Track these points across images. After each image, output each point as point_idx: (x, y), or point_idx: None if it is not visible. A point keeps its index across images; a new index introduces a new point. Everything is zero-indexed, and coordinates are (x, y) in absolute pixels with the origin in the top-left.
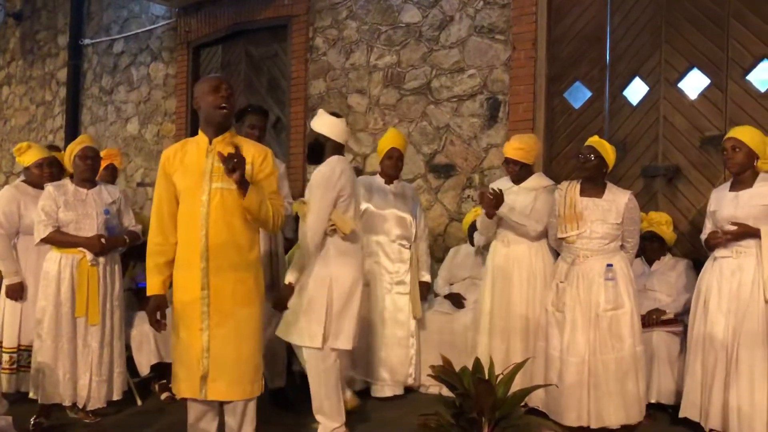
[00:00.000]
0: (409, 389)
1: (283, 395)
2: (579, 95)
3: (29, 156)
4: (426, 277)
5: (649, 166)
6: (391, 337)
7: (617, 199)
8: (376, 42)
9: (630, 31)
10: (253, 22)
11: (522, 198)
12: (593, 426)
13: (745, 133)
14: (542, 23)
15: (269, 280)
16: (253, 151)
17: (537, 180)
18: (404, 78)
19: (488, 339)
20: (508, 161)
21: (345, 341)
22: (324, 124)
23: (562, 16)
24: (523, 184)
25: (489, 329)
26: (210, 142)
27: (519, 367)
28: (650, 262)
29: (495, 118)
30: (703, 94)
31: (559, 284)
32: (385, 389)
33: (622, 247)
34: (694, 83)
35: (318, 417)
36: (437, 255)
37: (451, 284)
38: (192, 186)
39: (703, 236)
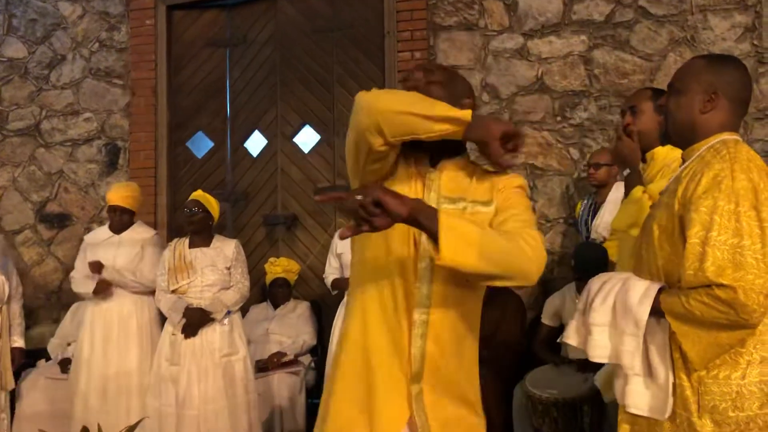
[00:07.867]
0: None
1: None
2: (202, 145)
3: None
4: (19, 342)
5: (270, 214)
6: None
7: (224, 247)
8: None
9: (248, 87)
10: None
11: (126, 250)
12: None
13: None
14: (162, 71)
15: None
16: None
17: (140, 230)
18: (8, 117)
19: (86, 401)
20: (114, 209)
21: None
22: None
23: (182, 66)
24: (125, 234)
25: (86, 391)
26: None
27: (132, 428)
28: (276, 306)
29: (115, 164)
30: (315, 149)
31: (171, 336)
32: None
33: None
34: (307, 138)
35: None
36: (53, 316)
37: (69, 344)
38: None
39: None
